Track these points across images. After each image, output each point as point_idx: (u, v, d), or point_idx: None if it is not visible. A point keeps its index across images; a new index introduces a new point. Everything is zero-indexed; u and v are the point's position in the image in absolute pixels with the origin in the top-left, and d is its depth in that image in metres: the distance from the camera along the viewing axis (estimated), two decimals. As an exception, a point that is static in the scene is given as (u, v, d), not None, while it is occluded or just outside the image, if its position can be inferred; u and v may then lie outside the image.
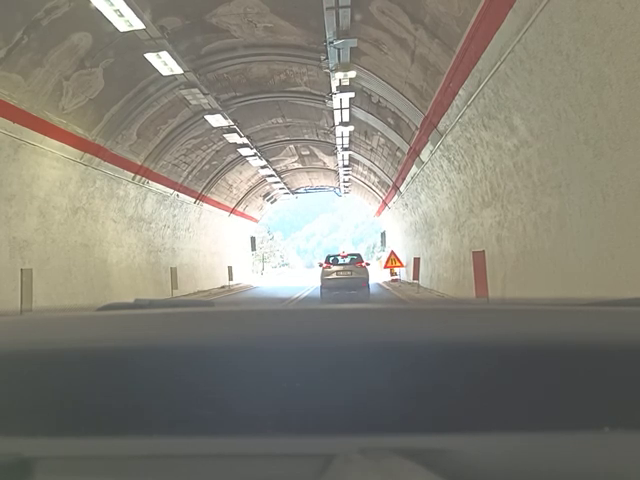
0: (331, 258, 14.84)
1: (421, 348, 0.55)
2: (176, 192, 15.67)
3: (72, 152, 9.89)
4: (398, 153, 14.09)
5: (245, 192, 23.08)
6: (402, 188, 16.14)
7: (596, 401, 0.53)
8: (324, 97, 12.67)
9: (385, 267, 17.35)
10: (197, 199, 17.71)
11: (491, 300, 7.24)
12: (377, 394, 0.54)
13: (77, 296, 10.33)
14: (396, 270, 18.61)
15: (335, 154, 19.00)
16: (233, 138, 14.96)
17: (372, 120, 13.18)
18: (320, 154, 20.71)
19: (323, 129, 16.56)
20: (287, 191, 27.15)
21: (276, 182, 23.78)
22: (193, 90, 11.05)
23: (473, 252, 9.64)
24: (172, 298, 11.19)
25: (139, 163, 12.82)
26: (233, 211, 23.01)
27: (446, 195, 11.97)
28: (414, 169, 13.14)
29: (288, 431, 0.52)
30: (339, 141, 16.27)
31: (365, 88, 11.37)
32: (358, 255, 15.35)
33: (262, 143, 17.61)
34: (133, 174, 12.72)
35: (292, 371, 0.55)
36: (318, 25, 8.69)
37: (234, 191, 21.58)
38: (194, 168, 16.11)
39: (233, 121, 13.72)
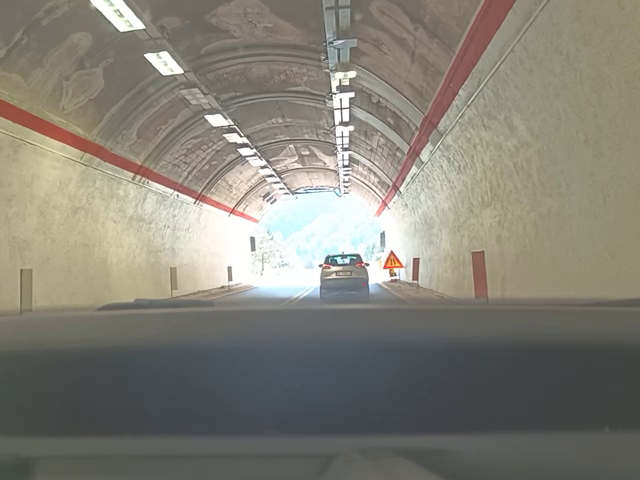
0: (330, 258, 14.88)
1: (421, 348, 0.55)
2: (176, 192, 15.67)
3: (72, 152, 9.89)
4: (398, 153, 14.10)
5: (245, 192, 23.07)
6: (402, 188, 16.14)
7: (596, 401, 0.53)
8: (324, 97, 12.67)
9: (385, 267, 17.36)
10: (197, 199, 17.72)
11: (491, 300, 7.25)
12: (377, 394, 0.54)
13: (77, 296, 10.32)
14: (395, 270, 18.62)
15: (335, 154, 19.00)
16: (233, 138, 14.97)
17: (372, 120, 13.18)
18: (320, 154, 20.71)
19: (323, 129, 16.56)
20: (287, 191, 27.15)
21: (276, 182, 23.78)
22: (193, 90, 11.05)
23: (473, 252, 9.64)
24: (172, 298, 11.18)
25: (139, 163, 12.82)
26: (233, 211, 23.02)
27: (446, 195, 11.97)
28: (414, 169, 13.14)
29: (288, 431, 0.52)
30: (339, 141, 16.27)
31: (365, 88, 11.37)
32: (358, 255, 15.39)
33: (262, 143, 17.62)
34: (133, 174, 12.72)
35: (292, 371, 0.55)
36: (318, 25, 8.69)
37: (234, 191, 21.59)
38: (194, 168, 16.11)
39: (233, 121, 13.72)
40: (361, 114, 13.17)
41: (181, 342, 0.59)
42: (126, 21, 7.44)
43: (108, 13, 7.13)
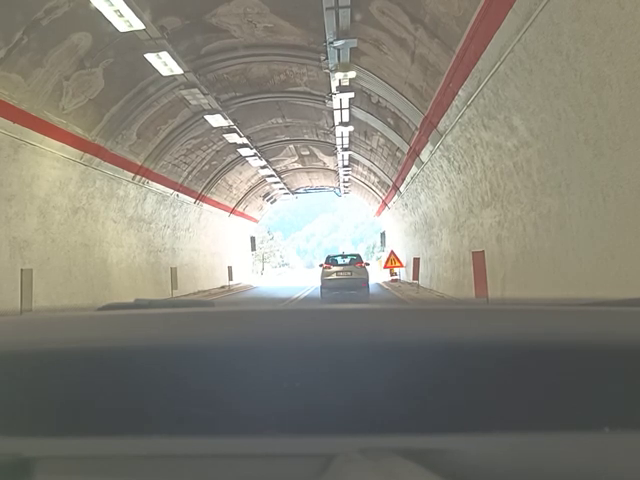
0: (331, 259, 14.97)
1: (421, 348, 0.55)
2: (176, 192, 15.67)
3: (72, 152, 9.89)
4: (398, 153, 14.10)
5: (245, 192, 23.07)
6: (402, 188, 16.14)
7: (596, 401, 0.53)
8: (324, 97, 12.67)
9: (385, 267, 17.37)
10: (197, 199, 17.72)
11: (491, 300, 7.25)
12: (377, 394, 0.54)
13: (77, 296, 10.32)
14: (396, 270, 18.63)
15: (335, 154, 19.00)
16: (233, 138, 14.97)
17: (372, 120, 13.18)
18: (320, 154, 20.71)
19: (323, 129, 16.56)
20: (287, 191, 27.15)
21: (276, 182, 23.78)
22: (193, 90, 11.05)
23: (473, 252, 9.64)
24: (172, 298, 11.18)
25: (139, 163, 12.82)
26: (233, 211, 23.02)
27: (446, 195, 11.97)
28: (414, 169, 13.14)
29: (288, 431, 0.52)
30: (339, 141, 16.27)
31: (365, 88, 11.37)
32: (358, 256, 15.48)
33: (262, 143, 17.62)
34: (133, 174, 12.72)
35: (292, 371, 0.55)
36: (318, 25, 8.69)
37: (234, 191, 21.59)
38: (194, 168, 16.11)
39: (233, 121, 13.72)
40: (361, 114, 13.17)
41: (181, 342, 0.59)
42: (126, 21, 7.44)
43: (108, 13, 7.13)
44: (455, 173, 10.47)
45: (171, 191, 15.34)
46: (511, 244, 8.04)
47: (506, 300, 7.06)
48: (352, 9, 7.82)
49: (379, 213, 25.62)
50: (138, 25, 7.67)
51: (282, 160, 21.30)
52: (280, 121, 15.90)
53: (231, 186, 20.73)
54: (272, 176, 22.12)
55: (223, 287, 20.17)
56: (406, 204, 17.18)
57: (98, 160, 10.89)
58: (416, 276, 14.49)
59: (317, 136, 17.75)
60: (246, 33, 9.83)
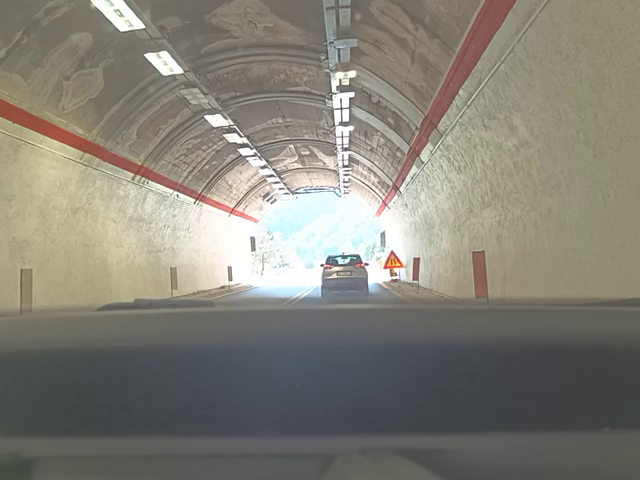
0: (332, 259, 15.29)
1: (421, 348, 0.55)
2: (176, 192, 15.67)
3: (72, 152, 9.89)
4: (398, 153, 14.10)
5: (245, 192, 23.07)
6: (402, 188, 16.15)
7: (596, 401, 0.53)
8: (324, 97, 12.67)
9: (385, 267, 17.40)
10: (197, 199, 17.72)
11: (491, 300, 7.24)
12: (377, 394, 0.54)
13: (77, 296, 10.33)
14: (396, 270, 18.64)
15: (335, 154, 19.00)
16: (233, 138, 14.97)
17: (372, 120, 13.18)
18: (320, 154, 20.71)
19: (323, 129, 16.56)
20: (287, 191, 27.15)
21: (276, 182, 23.78)
22: (193, 90, 11.06)
23: (473, 252, 9.63)
24: (172, 298, 11.18)
25: (139, 163, 12.82)
26: (233, 211, 23.01)
27: (446, 195, 11.97)
28: (414, 169, 13.14)
29: (288, 431, 0.52)
30: (339, 141, 16.28)
31: (365, 88, 11.37)
32: (357, 256, 15.87)
33: (262, 143, 17.62)
34: (133, 174, 12.72)
35: (292, 371, 0.55)
36: (318, 25, 8.69)
37: (234, 191, 21.58)
38: (194, 168, 16.11)
39: (233, 121, 13.73)
40: (361, 114, 13.17)
41: (181, 342, 0.59)
42: (126, 21, 7.45)
43: (108, 13, 7.13)
44: (455, 173, 10.47)
45: (171, 191, 15.35)
46: (511, 244, 8.04)
47: (506, 300, 7.07)
48: (352, 9, 7.83)
49: (379, 213, 25.62)
50: (138, 25, 7.67)
51: (282, 160, 21.30)
52: (280, 121, 15.90)
53: (231, 186, 20.73)
54: (272, 176, 22.13)
55: (223, 287, 20.17)
56: (406, 204, 17.18)
57: (98, 160, 10.89)
58: (416, 276, 14.51)
59: (317, 136, 17.75)
60: (246, 33, 9.83)
